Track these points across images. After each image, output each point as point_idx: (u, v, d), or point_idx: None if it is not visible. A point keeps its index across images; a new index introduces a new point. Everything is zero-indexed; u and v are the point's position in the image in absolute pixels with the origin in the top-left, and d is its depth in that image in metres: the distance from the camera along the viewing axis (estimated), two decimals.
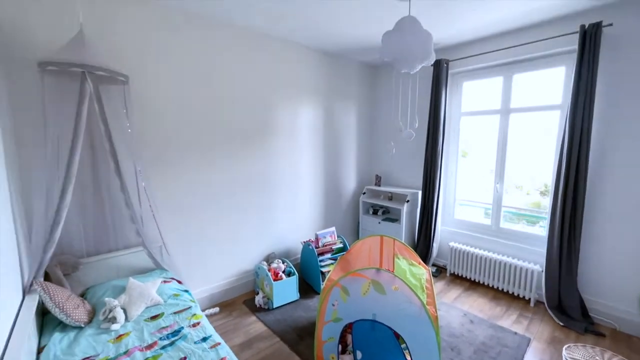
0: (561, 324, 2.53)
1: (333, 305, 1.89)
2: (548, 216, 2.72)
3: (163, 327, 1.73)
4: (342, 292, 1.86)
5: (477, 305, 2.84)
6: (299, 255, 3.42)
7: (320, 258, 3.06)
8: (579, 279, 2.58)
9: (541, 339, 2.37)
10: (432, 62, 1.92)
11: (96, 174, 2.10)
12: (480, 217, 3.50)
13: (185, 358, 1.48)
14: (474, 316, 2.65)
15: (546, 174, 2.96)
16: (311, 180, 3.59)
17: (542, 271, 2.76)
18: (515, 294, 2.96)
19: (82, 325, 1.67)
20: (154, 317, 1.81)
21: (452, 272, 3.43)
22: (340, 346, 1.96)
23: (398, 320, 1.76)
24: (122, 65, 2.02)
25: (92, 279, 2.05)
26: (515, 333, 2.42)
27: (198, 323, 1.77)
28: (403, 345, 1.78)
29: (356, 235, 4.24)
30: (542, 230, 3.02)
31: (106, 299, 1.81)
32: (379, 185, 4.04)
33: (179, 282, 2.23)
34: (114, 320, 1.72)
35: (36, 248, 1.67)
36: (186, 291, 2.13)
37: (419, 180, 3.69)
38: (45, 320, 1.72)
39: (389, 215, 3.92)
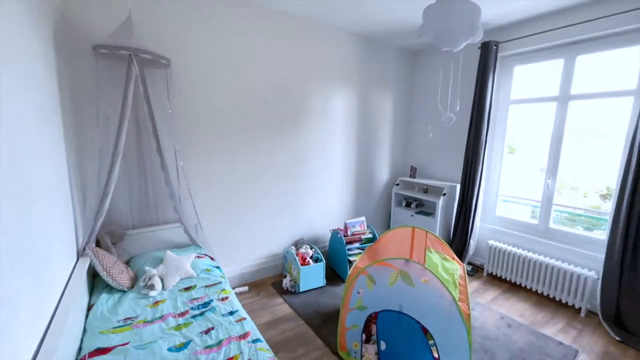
0: (618, 338, 2.25)
1: (358, 292, 1.86)
2: (610, 219, 2.40)
3: (194, 298, 1.83)
4: (369, 280, 1.82)
5: (516, 309, 2.63)
6: (327, 244, 3.42)
7: (348, 247, 3.03)
8: None
9: (592, 353, 2.13)
10: (479, 39, 1.75)
11: (140, 153, 2.26)
12: (526, 216, 3.20)
13: (212, 328, 1.56)
14: (513, 320, 2.45)
15: (610, 174, 2.58)
16: (343, 168, 3.54)
17: (598, 279, 2.46)
18: (563, 301, 2.68)
19: (125, 289, 1.83)
20: (187, 289, 1.93)
21: (489, 272, 3.21)
22: (364, 335, 1.93)
23: (426, 314, 1.68)
24: (165, 49, 2.12)
25: (135, 249, 2.23)
26: (561, 343, 2.20)
27: (226, 297, 1.84)
28: (431, 342, 1.70)
29: (386, 227, 4.13)
30: (600, 233, 2.68)
31: (146, 267, 1.96)
32: (414, 177, 3.87)
33: (212, 258, 2.34)
34: (152, 287, 1.85)
35: (89, 216, 1.84)
36: (217, 267, 2.23)
37: (457, 172, 3.46)
38: (96, 282, 1.91)
39: (423, 209, 3.75)
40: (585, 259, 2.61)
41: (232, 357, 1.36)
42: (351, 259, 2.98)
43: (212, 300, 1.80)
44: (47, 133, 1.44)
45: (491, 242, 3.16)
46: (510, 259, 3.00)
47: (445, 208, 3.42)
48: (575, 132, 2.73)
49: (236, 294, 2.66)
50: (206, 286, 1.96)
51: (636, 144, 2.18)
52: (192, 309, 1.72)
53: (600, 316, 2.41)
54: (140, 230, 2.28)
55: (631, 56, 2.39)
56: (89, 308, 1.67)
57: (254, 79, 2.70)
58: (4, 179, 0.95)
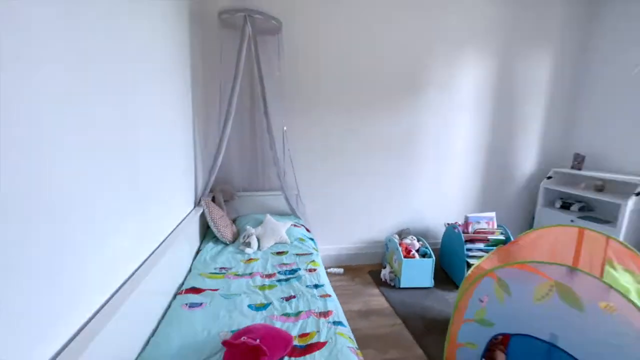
0: None
1: (481, 301, 1.35)
2: None
3: (284, 263, 1.76)
4: (498, 286, 1.29)
5: None
6: (439, 240, 2.85)
7: (469, 246, 2.40)
8: None
9: None
10: None
11: (252, 118, 2.36)
12: None
13: (294, 296, 1.42)
14: None
15: None
16: (468, 151, 2.86)
17: None
18: None
19: (227, 242, 1.94)
20: (279, 253, 1.89)
21: None
22: None
23: (601, 357, 1.03)
24: (277, 13, 2.11)
25: (242, 209, 2.39)
26: None
27: (315, 269, 1.69)
28: None
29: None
30: None
31: (247, 226, 2.03)
32: (580, 169, 2.76)
33: (307, 230, 2.26)
34: (249, 245, 1.89)
35: (204, 170, 2.03)
36: (311, 239, 2.13)
37: None
38: (208, 233, 2.11)
39: (592, 214, 2.63)
40: None
41: (308, 334, 1.17)
42: (471, 261, 2.35)
43: (299, 269, 1.68)
44: (182, 105, 1.72)
45: None
46: None
47: (636, 214, 2.27)
48: None
49: (330, 273, 2.53)
50: (297, 254, 1.87)
51: None
52: (279, 272, 1.65)
53: None
54: (248, 193, 2.42)
55: None
56: (197, 252, 1.83)
57: (366, 42, 2.43)
58: (156, 137, 1.35)
